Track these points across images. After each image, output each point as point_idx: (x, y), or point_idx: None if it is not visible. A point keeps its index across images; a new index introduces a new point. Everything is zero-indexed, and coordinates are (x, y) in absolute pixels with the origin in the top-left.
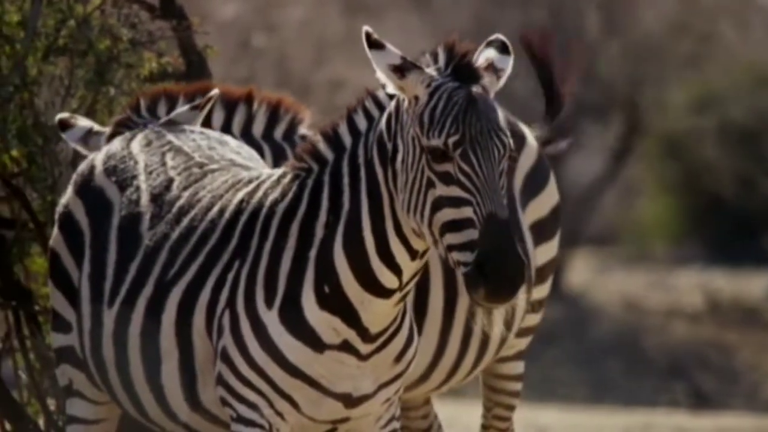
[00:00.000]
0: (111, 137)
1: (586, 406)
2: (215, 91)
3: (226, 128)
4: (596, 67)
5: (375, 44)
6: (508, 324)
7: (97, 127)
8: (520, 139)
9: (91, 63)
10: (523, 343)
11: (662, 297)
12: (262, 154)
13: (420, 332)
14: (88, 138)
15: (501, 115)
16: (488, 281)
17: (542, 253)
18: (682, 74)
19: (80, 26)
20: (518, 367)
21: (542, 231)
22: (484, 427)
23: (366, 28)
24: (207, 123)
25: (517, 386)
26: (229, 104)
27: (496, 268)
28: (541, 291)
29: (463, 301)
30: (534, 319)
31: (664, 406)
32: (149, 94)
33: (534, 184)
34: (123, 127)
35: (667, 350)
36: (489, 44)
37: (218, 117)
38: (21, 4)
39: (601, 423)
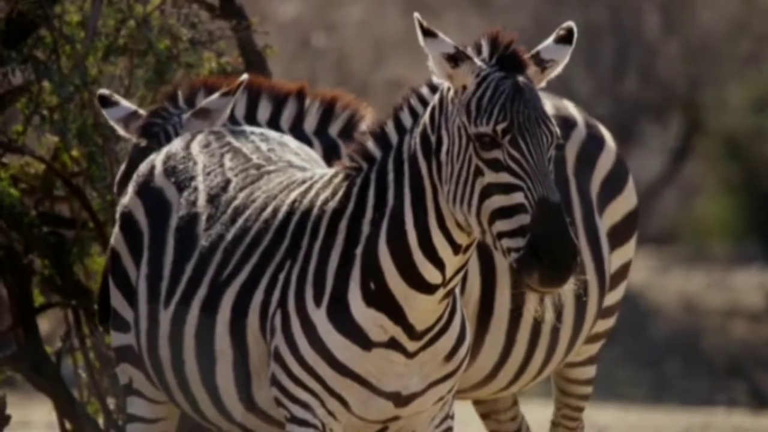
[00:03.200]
0: (144, 127)
1: (645, 406)
2: (245, 76)
3: (274, 122)
4: (656, 67)
5: (427, 32)
6: (558, 312)
7: (141, 111)
8: (599, 142)
9: (150, 63)
10: (595, 348)
11: (722, 296)
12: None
13: (486, 331)
14: (130, 120)
15: (546, 104)
16: (543, 264)
17: (616, 259)
18: (741, 74)
19: (140, 26)
20: (589, 371)
21: (615, 236)
22: (554, 423)
23: (416, 15)
24: (252, 114)
25: (588, 390)
26: (279, 98)
27: (550, 251)
28: (614, 296)
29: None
30: (606, 325)
31: (723, 406)
32: (188, 84)
33: (611, 188)
34: (157, 117)
35: (727, 350)
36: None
37: (265, 110)
38: (81, 5)
39: (661, 423)
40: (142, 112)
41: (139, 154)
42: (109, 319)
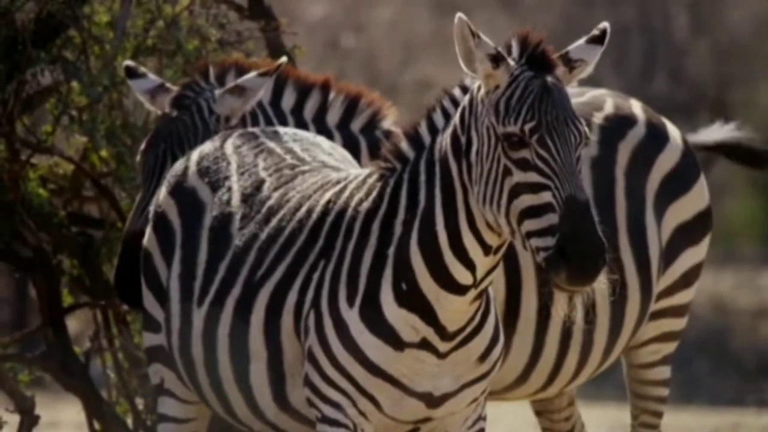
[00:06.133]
0: (177, 99)
1: (674, 406)
2: (283, 59)
3: (297, 112)
4: (684, 67)
5: (474, 34)
6: (588, 312)
7: (168, 84)
8: (660, 141)
9: (179, 63)
10: (669, 347)
11: (750, 297)
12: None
13: (514, 332)
14: (157, 92)
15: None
16: (571, 264)
17: (687, 258)
18: None
19: (169, 27)
20: (664, 372)
21: (686, 235)
22: None
23: (460, 15)
24: (277, 101)
25: (665, 392)
26: (303, 89)
27: (578, 250)
28: (686, 296)
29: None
30: (680, 324)
31: (752, 406)
32: (219, 63)
33: (676, 186)
34: (189, 90)
35: (756, 350)
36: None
37: (289, 99)
38: (110, 5)
39: (690, 423)
40: (170, 85)
41: (165, 125)
42: (127, 292)
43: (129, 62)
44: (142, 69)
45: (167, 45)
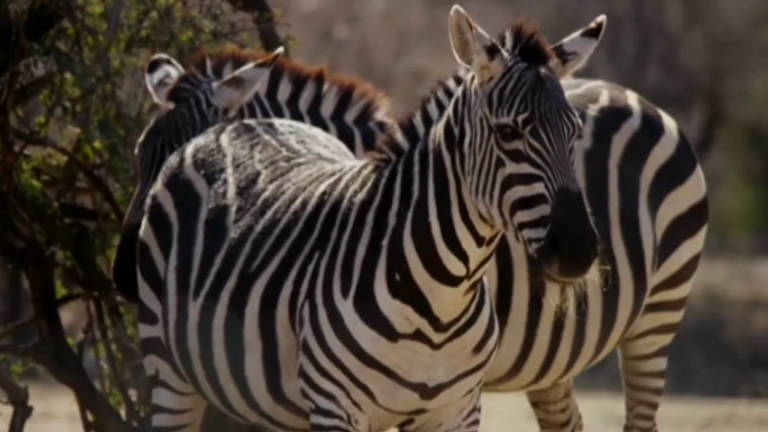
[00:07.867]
0: (173, 92)
1: (668, 397)
2: (280, 50)
3: (293, 103)
4: (678, 58)
5: (470, 26)
6: (580, 303)
7: (169, 78)
8: (655, 132)
9: (173, 54)
10: (666, 339)
11: (744, 287)
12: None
13: (505, 324)
14: (159, 87)
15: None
16: (563, 255)
17: (684, 251)
18: (764, 64)
19: (162, 17)
20: (661, 363)
21: (682, 227)
22: (626, 428)
23: (457, 7)
24: (273, 93)
25: (660, 383)
26: (298, 80)
27: (570, 241)
28: (684, 289)
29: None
30: (677, 317)
31: (746, 397)
32: (216, 55)
33: (671, 178)
34: (186, 83)
35: (749, 341)
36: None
37: (285, 91)
38: None
39: (684, 413)
40: (170, 80)
41: (164, 118)
42: (126, 285)
43: (160, 55)
44: (162, 62)
45: (161, 36)
